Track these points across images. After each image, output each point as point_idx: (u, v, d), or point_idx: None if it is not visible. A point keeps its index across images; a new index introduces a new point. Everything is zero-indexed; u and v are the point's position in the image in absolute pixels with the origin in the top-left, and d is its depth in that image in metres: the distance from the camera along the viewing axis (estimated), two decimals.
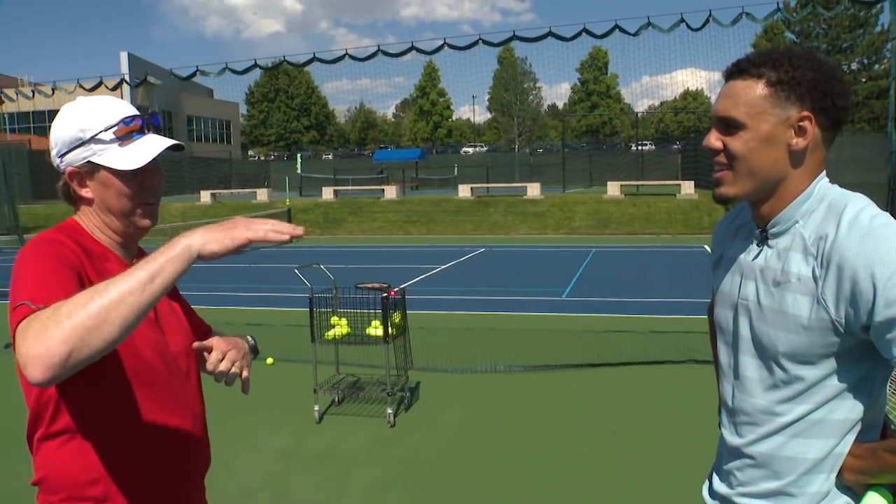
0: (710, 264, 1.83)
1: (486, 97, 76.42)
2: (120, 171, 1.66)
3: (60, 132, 1.67)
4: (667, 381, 6.75)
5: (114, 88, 10.85)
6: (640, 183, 31.41)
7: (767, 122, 1.46)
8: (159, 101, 51.86)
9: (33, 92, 10.09)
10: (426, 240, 24.11)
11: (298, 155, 35.30)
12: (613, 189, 28.19)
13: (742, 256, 1.62)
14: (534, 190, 28.99)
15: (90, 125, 1.65)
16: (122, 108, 1.69)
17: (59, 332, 1.22)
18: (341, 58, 8.57)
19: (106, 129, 1.65)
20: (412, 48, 8.64)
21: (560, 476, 4.75)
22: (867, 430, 1.51)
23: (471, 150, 63.51)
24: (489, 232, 25.46)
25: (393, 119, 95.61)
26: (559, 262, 16.99)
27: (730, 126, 1.50)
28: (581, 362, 7.38)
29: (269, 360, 7.53)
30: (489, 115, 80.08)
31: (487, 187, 33.05)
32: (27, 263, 1.53)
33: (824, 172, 1.54)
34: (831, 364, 1.45)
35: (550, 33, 7.77)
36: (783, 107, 1.45)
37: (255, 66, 9.63)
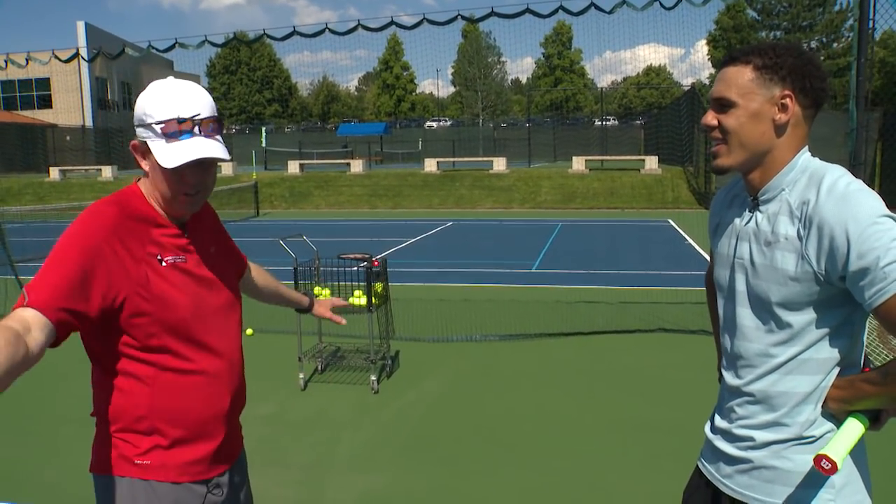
0: (708, 232, 2.07)
1: (450, 71, 76.24)
2: (159, 163, 1.81)
3: (137, 107, 1.84)
4: (638, 349, 6.99)
5: (67, 60, 10.64)
6: (604, 158, 31.70)
7: (755, 101, 1.72)
8: (119, 72, 50.88)
9: (6, 62, 9.92)
10: (394, 213, 24.20)
11: (262, 128, 34.93)
12: (578, 164, 28.42)
13: (737, 221, 1.87)
14: (499, 164, 29.12)
15: (151, 112, 1.80)
16: (184, 104, 1.80)
17: None
18: (321, 32, 8.58)
19: (157, 123, 1.79)
20: (391, 23, 8.68)
21: (542, 436, 4.96)
22: (849, 368, 1.75)
23: (435, 124, 63.31)
24: (456, 206, 25.62)
25: (356, 93, 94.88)
26: (527, 236, 17.21)
27: (724, 105, 1.77)
28: (554, 331, 7.60)
29: (249, 331, 7.65)
30: (453, 90, 79.87)
31: (453, 161, 33.08)
32: (61, 240, 1.73)
33: (807, 147, 1.79)
34: (816, 310, 1.70)
35: (528, 10, 7.88)
36: (768, 87, 1.72)
37: (234, 39, 9.58)
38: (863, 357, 1.81)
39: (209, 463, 1.94)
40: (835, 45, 52.12)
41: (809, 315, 1.71)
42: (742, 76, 1.74)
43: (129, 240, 1.79)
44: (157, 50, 9.48)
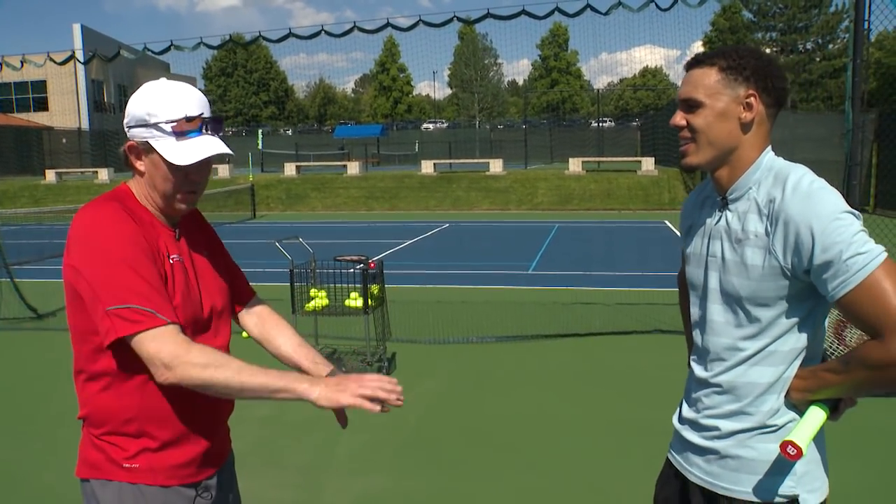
0: (680, 236, 2.15)
1: (447, 73, 76.27)
2: (168, 162, 1.81)
3: (133, 108, 1.83)
4: (634, 350, 7.00)
5: (63, 63, 10.58)
6: (600, 159, 31.72)
7: (722, 101, 1.81)
8: (115, 75, 50.81)
9: (1, 65, 9.89)
10: (390, 215, 24.19)
11: (259, 131, 34.93)
12: (575, 165, 28.43)
13: (709, 221, 1.95)
14: (496, 166, 29.12)
15: (156, 112, 1.80)
16: (189, 103, 1.82)
17: (198, 375, 1.70)
18: (317, 34, 8.57)
19: (167, 122, 1.80)
20: (387, 25, 8.68)
21: (538, 438, 4.96)
22: (810, 359, 1.84)
23: (431, 126, 63.29)
24: (452, 207, 25.61)
25: (353, 95, 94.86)
26: (524, 237, 17.22)
27: (692, 106, 1.85)
28: (551, 333, 7.60)
29: (245, 334, 7.63)
30: (449, 91, 79.89)
31: (450, 163, 33.08)
32: (96, 243, 1.73)
33: (770, 147, 1.88)
34: (782, 305, 1.78)
35: (524, 11, 7.88)
36: (733, 87, 1.80)
37: (230, 41, 9.57)
38: (823, 351, 1.90)
39: (198, 465, 1.92)
40: (830, 46, 52.22)
41: (776, 309, 1.78)
42: (708, 77, 1.82)
43: (144, 234, 1.81)
44: (152, 52, 9.47)
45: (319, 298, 6.33)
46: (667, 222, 19.84)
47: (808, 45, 53.02)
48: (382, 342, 6.40)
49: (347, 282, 6.12)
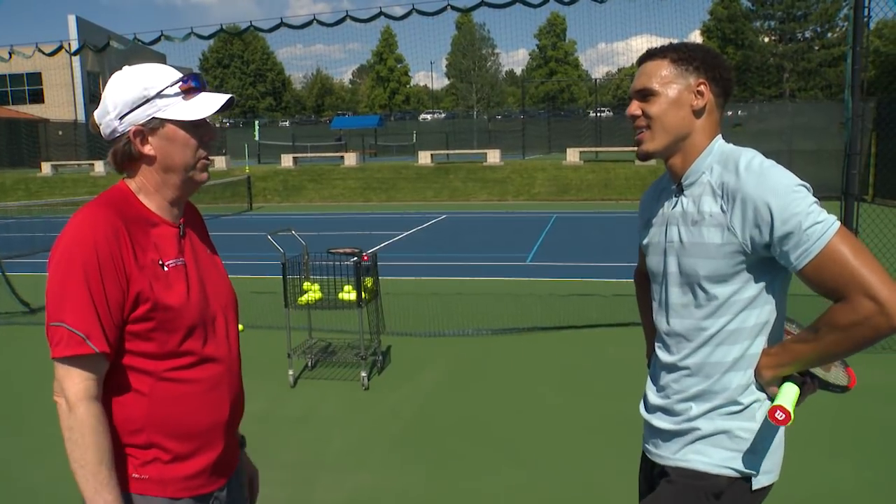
0: (637, 231, 2.21)
1: (444, 63, 76.06)
2: (186, 122, 1.75)
3: (121, 94, 1.73)
4: (632, 342, 6.90)
5: (51, 54, 10.46)
6: (598, 149, 31.59)
7: (674, 89, 1.92)
8: (111, 68, 50.63)
9: None
10: (387, 207, 24.10)
11: (256, 122, 34.78)
12: (573, 155, 28.33)
13: (665, 210, 2.03)
14: (493, 156, 29.01)
15: (154, 83, 1.73)
16: (175, 71, 1.78)
17: (64, 426, 1.67)
18: (309, 23, 8.45)
19: (172, 85, 1.74)
20: (380, 14, 8.57)
21: (535, 432, 4.90)
22: (774, 338, 1.92)
23: (429, 116, 63.13)
24: (450, 198, 25.52)
25: (350, 85, 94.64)
26: (521, 228, 17.14)
27: (646, 95, 1.95)
28: (548, 325, 7.54)
29: (240, 327, 7.57)
30: (447, 82, 79.69)
31: (447, 154, 32.96)
32: (60, 255, 1.65)
33: (720, 135, 1.97)
34: (740, 280, 1.86)
35: (519, 0, 7.76)
36: (684, 76, 1.92)
37: (221, 30, 9.46)
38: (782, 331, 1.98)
39: (208, 476, 1.83)
40: (829, 34, 52.06)
41: (734, 285, 1.86)
42: (661, 68, 1.93)
43: (129, 244, 1.69)
44: (142, 42, 9.37)
45: (312, 292, 6.25)
46: None
47: (807, 34, 52.85)
48: (377, 336, 6.33)
49: (341, 274, 6.05)
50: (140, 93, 1.72)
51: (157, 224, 1.79)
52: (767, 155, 1.87)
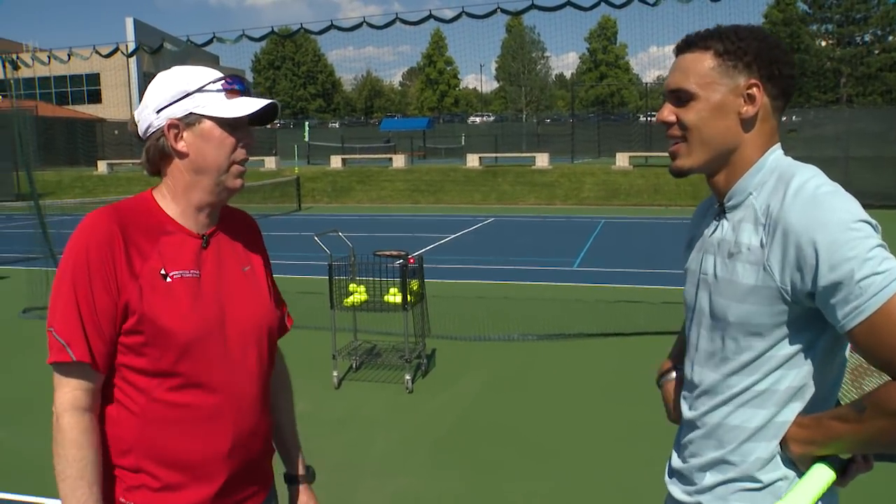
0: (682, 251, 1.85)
1: (494, 66, 75.94)
2: (224, 120, 1.65)
3: (161, 88, 1.67)
4: None
5: (108, 55, 10.64)
6: (648, 154, 31.26)
7: (718, 92, 1.51)
8: (165, 67, 51.47)
9: (49, 58, 10.01)
10: (435, 209, 24.12)
11: (306, 123, 35.18)
12: (622, 160, 28.10)
13: (706, 233, 1.66)
14: (542, 160, 28.91)
15: (196, 79, 1.67)
16: (219, 73, 1.72)
17: (54, 438, 1.58)
18: (358, 26, 8.47)
19: (214, 82, 1.67)
20: (430, 16, 8.57)
21: (579, 441, 4.83)
22: (818, 405, 1.51)
23: (478, 119, 63.10)
24: (498, 202, 25.44)
25: (399, 88, 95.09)
26: (569, 233, 17.01)
27: (682, 98, 1.56)
28: (594, 332, 7.44)
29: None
30: (496, 85, 79.57)
31: (496, 157, 32.93)
32: (60, 267, 1.61)
33: (779, 145, 1.57)
34: (777, 334, 1.48)
35: (569, 3, 7.69)
36: (731, 76, 1.51)
37: (272, 32, 9.56)
38: (836, 399, 1.57)
39: None
40: (890, 38, 50.71)
41: (770, 340, 1.49)
42: (701, 64, 1.53)
43: (122, 251, 1.60)
44: (195, 44, 9.50)
45: (358, 293, 6.26)
46: None
47: (866, 38, 51.53)
48: (421, 339, 6.32)
49: (387, 277, 6.05)
50: (181, 87, 1.66)
51: (171, 232, 1.68)
52: (822, 162, 1.49)
